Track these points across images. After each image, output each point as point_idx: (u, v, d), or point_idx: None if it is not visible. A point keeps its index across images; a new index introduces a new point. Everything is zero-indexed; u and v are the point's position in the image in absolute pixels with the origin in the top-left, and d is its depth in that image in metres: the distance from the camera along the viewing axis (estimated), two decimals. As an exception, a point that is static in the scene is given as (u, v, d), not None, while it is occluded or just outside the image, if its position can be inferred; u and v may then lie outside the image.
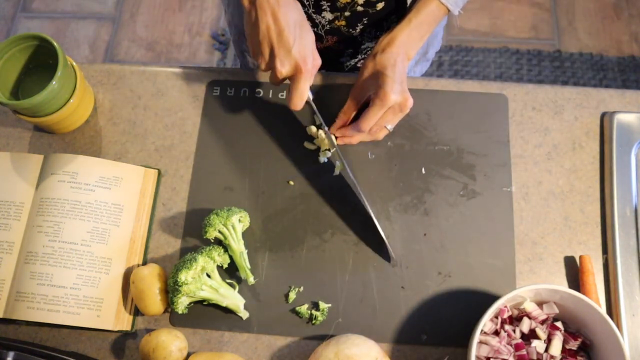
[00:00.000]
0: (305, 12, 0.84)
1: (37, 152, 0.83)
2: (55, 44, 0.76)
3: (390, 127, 0.75)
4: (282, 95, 0.85)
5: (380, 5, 0.83)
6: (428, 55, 1.05)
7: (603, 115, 0.82)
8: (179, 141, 0.84)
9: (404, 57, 0.72)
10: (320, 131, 0.80)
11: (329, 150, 0.80)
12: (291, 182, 0.80)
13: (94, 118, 0.86)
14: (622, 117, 0.80)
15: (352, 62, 0.99)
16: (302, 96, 0.71)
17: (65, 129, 0.84)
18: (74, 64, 0.81)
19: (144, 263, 0.77)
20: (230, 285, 0.74)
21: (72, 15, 2.09)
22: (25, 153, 0.82)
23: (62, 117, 0.79)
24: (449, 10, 0.74)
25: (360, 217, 0.78)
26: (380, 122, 0.74)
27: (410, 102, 0.72)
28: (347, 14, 0.84)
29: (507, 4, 2.01)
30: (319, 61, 0.72)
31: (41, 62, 0.81)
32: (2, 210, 0.76)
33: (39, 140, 0.85)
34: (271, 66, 0.70)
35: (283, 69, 0.69)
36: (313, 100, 0.77)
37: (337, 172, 0.80)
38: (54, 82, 0.74)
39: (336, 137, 0.78)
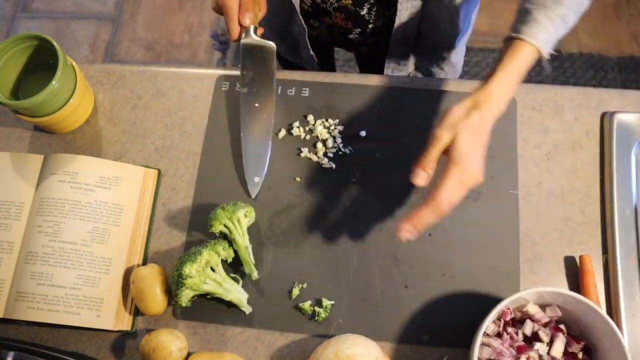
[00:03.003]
0: None
1: (37, 152, 0.83)
2: (55, 44, 0.76)
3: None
4: (290, 92, 0.85)
5: None
6: None
7: (603, 115, 0.82)
8: (179, 141, 0.84)
9: (494, 116, 0.64)
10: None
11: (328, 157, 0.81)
12: (297, 179, 0.80)
13: (94, 118, 0.86)
14: (622, 117, 0.80)
15: (361, 39, 0.99)
16: (228, 29, 0.75)
17: (65, 129, 0.84)
18: (74, 64, 0.81)
19: (144, 263, 0.77)
20: (234, 279, 0.74)
21: (72, 15, 2.09)
22: (25, 153, 0.82)
23: (62, 117, 0.79)
24: (539, 53, 0.66)
25: (366, 215, 0.78)
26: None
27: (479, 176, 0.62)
28: None
29: (507, 4, 2.00)
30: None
31: (41, 62, 0.81)
32: (2, 210, 0.76)
33: (39, 140, 0.85)
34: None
35: (212, 2, 0.75)
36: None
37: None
38: (54, 82, 0.74)
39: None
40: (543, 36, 0.64)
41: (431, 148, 0.63)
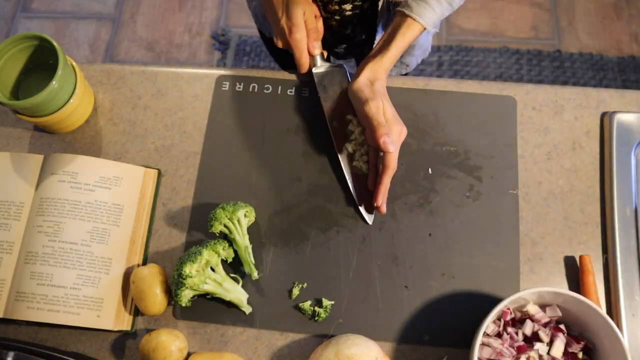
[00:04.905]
0: None
1: (37, 152, 0.83)
2: (55, 44, 0.76)
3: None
4: (290, 92, 0.85)
5: (367, 5, 0.86)
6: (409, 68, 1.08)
7: (603, 115, 0.82)
8: (179, 141, 0.84)
9: (386, 79, 0.78)
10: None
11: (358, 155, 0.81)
12: (298, 179, 0.80)
13: (94, 118, 0.86)
14: (622, 117, 0.80)
15: (346, 52, 1.04)
16: (299, 62, 0.80)
17: (65, 129, 0.84)
18: (74, 64, 0.81)
19: (144, 263, 0.77)
20: (234, 279, 0.74)
21: (72, 15, 2.09)
22: (25, 153, 0.82)
23: (62, 117, 0.79)
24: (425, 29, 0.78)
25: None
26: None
27: (404, 130, 0.75)
28: (337, 17, 0.89)
29: (507, 4, 2.01)
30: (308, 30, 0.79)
31: (41, 62, 0.81)
32: (2, 210, 0.76)
33: (39, 140, 0.85)
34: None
35: (277, 41, 0.80)
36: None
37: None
38: (54, 82, 0.74)
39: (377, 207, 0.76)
40: (432, 17, 0.76)
41: (379, 117, 0.73)
